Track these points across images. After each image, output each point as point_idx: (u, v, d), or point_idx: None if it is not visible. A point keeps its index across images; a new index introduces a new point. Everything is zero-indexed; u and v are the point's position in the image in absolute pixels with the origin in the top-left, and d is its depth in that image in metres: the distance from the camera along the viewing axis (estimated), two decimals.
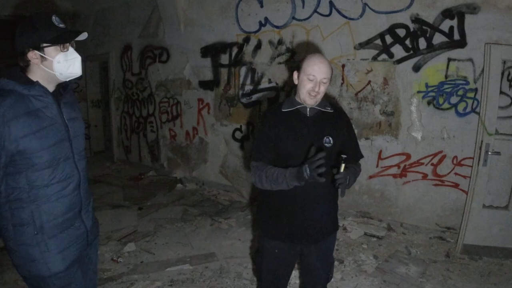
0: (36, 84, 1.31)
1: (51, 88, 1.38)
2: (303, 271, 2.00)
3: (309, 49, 3.79)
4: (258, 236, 1.96)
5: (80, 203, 1.48)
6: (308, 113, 1.71)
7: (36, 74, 1.33)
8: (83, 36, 1.39)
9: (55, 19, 1.32)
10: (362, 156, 1.87)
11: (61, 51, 1.34)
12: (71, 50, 1.37)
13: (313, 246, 1.81)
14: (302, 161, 1.57)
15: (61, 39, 1.33)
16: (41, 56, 1.31)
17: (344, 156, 1.51)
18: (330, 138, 1.68)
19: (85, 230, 1.52)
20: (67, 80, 1.42)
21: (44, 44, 1.30)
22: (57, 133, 1.36)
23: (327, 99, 1.80)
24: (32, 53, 1.30)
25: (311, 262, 1.87)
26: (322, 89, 1.64)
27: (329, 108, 1.74)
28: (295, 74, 1.72)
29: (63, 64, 1.35)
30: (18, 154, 1.28)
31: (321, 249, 1.83)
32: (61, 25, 1.34)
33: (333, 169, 1.55)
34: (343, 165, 1.50)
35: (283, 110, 1.74)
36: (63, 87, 1.44)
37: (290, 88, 4.00)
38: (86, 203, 1.53)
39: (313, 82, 1.62)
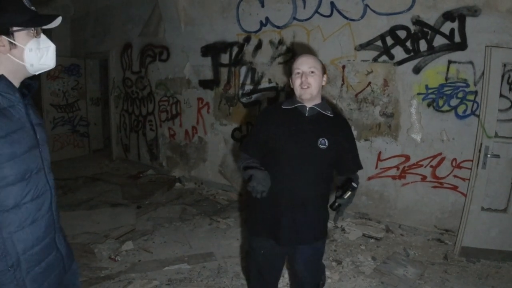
0: (2, 78, 1.08)
1: (16, 84, 1.14)
2: (291, 276, 2.02)
3: (310, 49, 3.79)
4: (247, 237, 1.98)
5: (54, 225, 1.25)
6: (307, 112, 1.72)
7: (0, 65, 1.09)
8: (58, 21, 1.17)
9: (26, 0, 1.11)
10: (361, 167, 1.84)
11: (34, 37, 1.13)
12: (43, 37, 1.16)
13: (299, 251, 1.81)
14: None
15: (36, 21, 1.11)
16: (10, 43, 1.08)
17: (354, 185, 1.55)
18: (326, 140, 1.68)
19: (61, 257, 1.28)
20: (36, 73, 1.19)
21: (15, 28, 1.08)
22: (27, 138, 1.12)
23: (330, 105, 1.82)
24: None
25: (297, 268, 1.89)
26: (312, 80, 1.66)
27: (329, 113, 1.75)
28: (290, 78, 1.77)
29: (35, 53, 1.13)
30: None
31: (306, 255, 1.83)
32: (32, 8, 1.12)
33: (336, 192, 1.57)
34: (349, 193, 1.54)
35: (283, 107, 1.78)
36: (26, 86, 1.20)
37: (291, 89, 4.00)
38: (58, 226, 1.29)
39: (300, 75, 1.68)
